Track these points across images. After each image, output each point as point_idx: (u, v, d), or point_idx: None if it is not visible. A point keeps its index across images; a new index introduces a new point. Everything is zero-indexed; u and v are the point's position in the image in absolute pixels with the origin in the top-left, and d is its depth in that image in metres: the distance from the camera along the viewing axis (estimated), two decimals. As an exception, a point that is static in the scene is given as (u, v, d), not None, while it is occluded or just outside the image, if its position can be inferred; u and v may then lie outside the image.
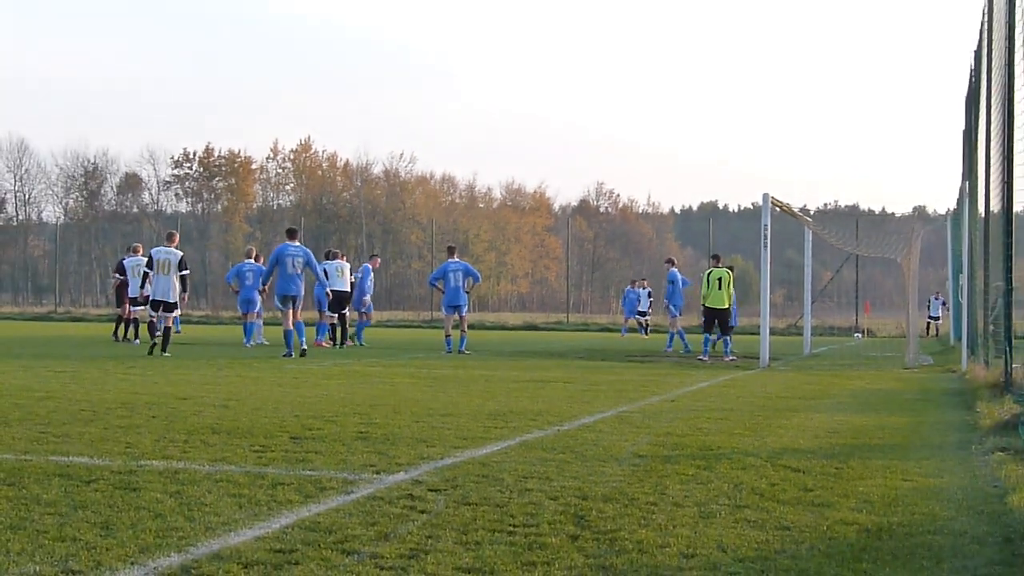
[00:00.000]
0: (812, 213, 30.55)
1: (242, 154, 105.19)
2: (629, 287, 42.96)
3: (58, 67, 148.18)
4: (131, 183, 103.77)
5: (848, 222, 55.82)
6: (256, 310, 26.48)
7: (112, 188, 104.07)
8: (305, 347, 21.84)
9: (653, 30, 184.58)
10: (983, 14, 17.03)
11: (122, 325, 28.55)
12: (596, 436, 9.36)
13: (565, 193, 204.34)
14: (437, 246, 65.08)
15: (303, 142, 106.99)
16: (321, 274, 22.43)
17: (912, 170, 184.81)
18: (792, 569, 4.92)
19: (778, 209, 24.77)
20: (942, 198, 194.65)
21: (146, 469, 7.22)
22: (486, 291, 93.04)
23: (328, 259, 26.94)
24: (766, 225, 22.24)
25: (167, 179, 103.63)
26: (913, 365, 22.24)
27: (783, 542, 5.47)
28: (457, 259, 25.19)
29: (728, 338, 23.93)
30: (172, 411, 10.83)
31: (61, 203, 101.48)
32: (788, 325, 47.98)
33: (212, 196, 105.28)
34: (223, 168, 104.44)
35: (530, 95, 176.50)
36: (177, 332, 30.03)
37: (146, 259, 23.39)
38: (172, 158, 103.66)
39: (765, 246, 22.18)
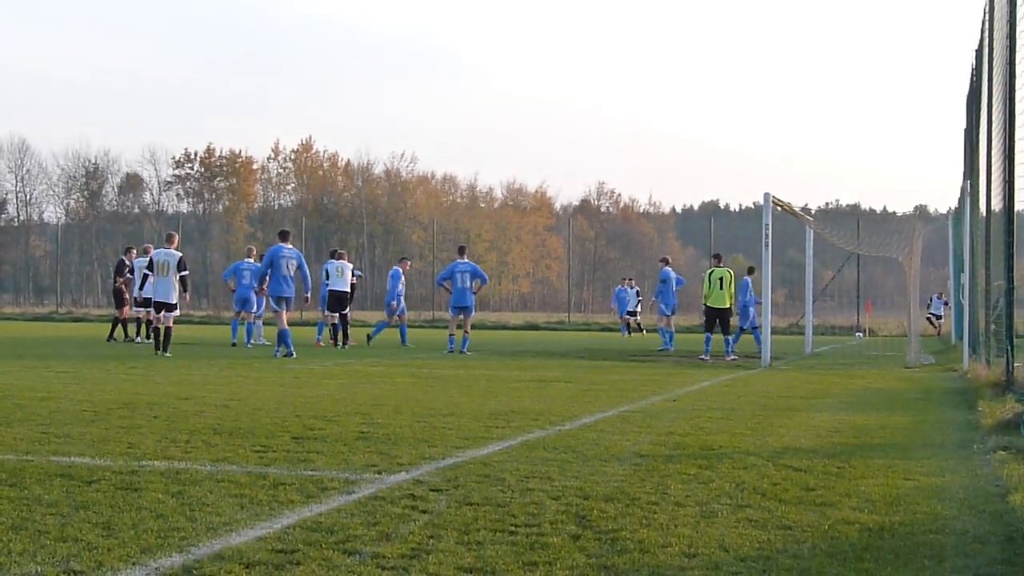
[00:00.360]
0: (813, 212, 30.58)
1: (243, 154, 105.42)
2: (619, 286, 43.05)
3: (59, 67, 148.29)
4: (132, 183, 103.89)
5: (849, 221, 55.86)
6: (252, 310, 26.53)
7: (113, 188, 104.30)
8: (280, 355, 21.63)
9: (654, 29, 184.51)
10: (984, 13, 17.03)
11: (119, 327, 28.61)
12: (598, 436, 9.36)
13: (566, 193, 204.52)
14: (438, 246, 65.17)
15: (304, 142, 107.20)
16: (307, 274, 22.32)
17: (913, 169, 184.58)
18: (794, 569, 4.92)
19: (779, 208, 24.77)
20: (943, 197, 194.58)
21: (148, 469, 7.22)
22: (487, 291, 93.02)
23: (332, 259, 27.05)
24: (767, 224, 22.24)
25: (168, 179, 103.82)
26: (914, 364, 22.24)
27: (785, 541, 5.46)
28: (466, 260, 25.17)
29: (729, 337, 23.94)
30: (174, 411, 10.84)
31: (62, 203, 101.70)
32: (790, 324, 47.96)
33: (213, 196, 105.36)
34: (224, 168, 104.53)
35: (532, 94, 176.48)
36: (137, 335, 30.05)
37: (147, 261, 23.56)
38: (173, 158, 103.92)
39: (766, 245, 22.18)
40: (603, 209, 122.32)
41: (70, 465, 7.35)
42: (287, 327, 21.90)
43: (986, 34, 16.67)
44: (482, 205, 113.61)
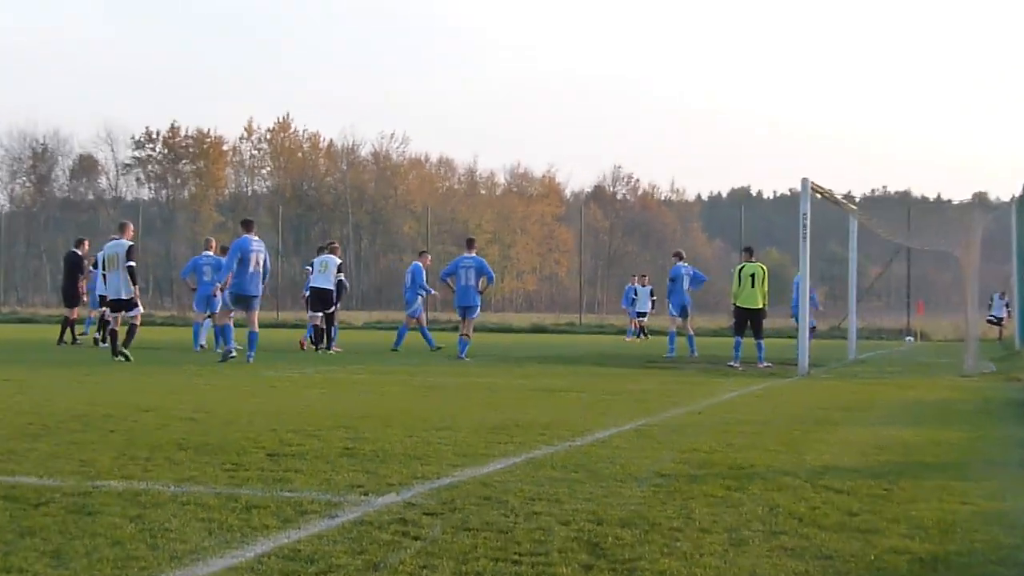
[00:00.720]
0: (858, 200, 30.53)
1: (212, 134, 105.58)
2: (630, 284, 43.11)
3: (1, 35, 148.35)
4: (86, 166, 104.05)
5: (898, 210, 55.89)
6: (217, 309, 26.48)
7: (64, 172, 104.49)
8: (252, 359, 21.63)
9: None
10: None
11: (69, 329, 28.78)
12: (612, 453, 9.37)
13: (578, 178, 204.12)
14: (433, 237, 65.18)
15: (281, 120, 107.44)
16: (268, 268, 22.31)
17: (972, 150, 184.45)
18: (835, 604, 4.92)
19: (819, 195, 24.75)
20: (1006, 183, 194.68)
21: (103, 490, 7.23)
22: (489, 289, 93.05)
23: (320, 253, 27.18)
24: (805, 214, 22.22)
25: (127, 162, 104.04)
26: (972, 372, 22.22)
27: (824, 573, 5.47)
28: (474, 254, 25.24)
29: (762, 341, 23.92)
30: (133, 424, 10.84)
31: (6, 189, 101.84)
32: (830, 327, 47.92)
33: (178, 181, 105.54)
34: (191, 150, 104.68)
35: (538, 66, 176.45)
36: (84, 333, 30.18)
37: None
38: (132, 138, 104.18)
39: (804, 237, 22.16)
40: (619, 196, 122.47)
41: (14, 486, 7.35)
42: (230, 324, 21.98)
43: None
44: (482, 192, 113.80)
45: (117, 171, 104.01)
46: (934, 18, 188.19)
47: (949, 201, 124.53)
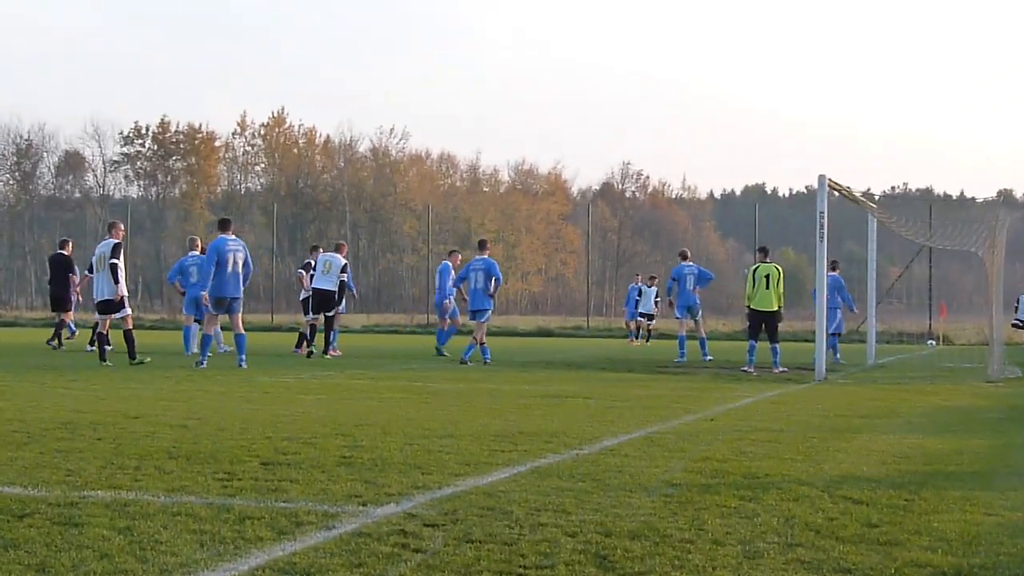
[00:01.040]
0: (877, 198, 30.56)
1: (204, 129, 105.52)
2: (633, 283, 43.12)
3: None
4: (72, 163, 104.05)
5: (920, 208, 55.77)
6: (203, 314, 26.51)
7: (50, 169, 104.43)
8: (244, 364, 21.68)
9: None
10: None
11: (63, 330, 29.07)
12: (621, 461, 9.37)
13: (585, 175, 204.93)
14: (434, 237, 65.19)
15: (276, 115, 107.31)
16: (250, 268, 22.31)
17: (996, 146, 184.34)
18: (854, 619, 4.92)
19: (836, 193, 24.75)
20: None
21: (90, 501, 7.24)
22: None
23: (314, 253, 27.38)
24: (823, 212, 22.21)
25: (115, 158, 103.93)
26: (997, 378, 22.20)
27: (843, 587, 5.46)
28: (485, 256, 25.35)
29: (777, 345, 23.91)
30: (121, 432, 10.85)
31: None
32: (849, 330, 47.93)
33: (168, 178, 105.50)
34: (181, 145, 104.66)
35: (543, 58, 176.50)
36: (70, 337, 30.25)
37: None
38: (121, 134, 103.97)
39: (821, 237, 22.16)
40: (628, 194, 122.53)
41: (-1, 495, 7.37)
42: (213, 333, 22.02)
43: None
44: (485, 189, 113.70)
45: (104, 168, 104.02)
46: (958, 12, 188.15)
47: (973, 199, 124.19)
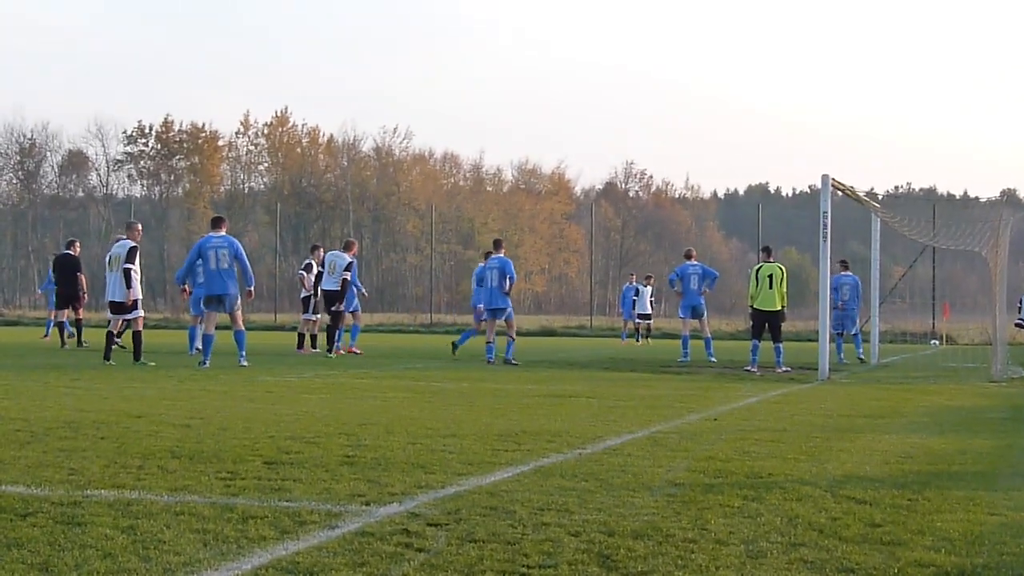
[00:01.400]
0: (881, 197, 30.48)
1: (207, 128, 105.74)
2: (627, 283, 43.10)
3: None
4: (76, 162, 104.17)
5: (923, 208, 55.79)
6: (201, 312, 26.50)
7: (53, 168, 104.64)
8: (245, 362, 21.70)
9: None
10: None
11: (59, 330, 29.46)
12: (624, 461, 9.36)
13: (588, 175, 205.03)
14: (437, 236, 65.16)
15: (279, 114, 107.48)
16: (247, 267, 22.29)
17: (999, 146, 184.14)
18: (857, 619, 4.92)
19: (840, 193, 24.72)
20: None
21: (93, 500, 7.23)
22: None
23: (314, 252, 27.55)
24: (826, 212, 22.19)
25: (118, 157, 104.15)
26: (1001, 378, 22.18)
27: (846, 587, 5.46)
28: (500, 255, 25.40)
29: (780, 345, 23.90)
30: (124, 431, 10.85)
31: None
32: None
33: (172, 178, 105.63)
34: (185, 145, 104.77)
35: (547, 57, 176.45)
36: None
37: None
38: (124, 133, 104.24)
39: (825, 237, 22.13)
40: (631, 194, 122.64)
41: (0, 495, 7.36)
42: (212, 333, 22.02)
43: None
44: (489, 189, 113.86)
45: (108, 167, 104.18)
46: (961, 11, 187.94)
47: (976, 198, 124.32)
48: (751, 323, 24.73)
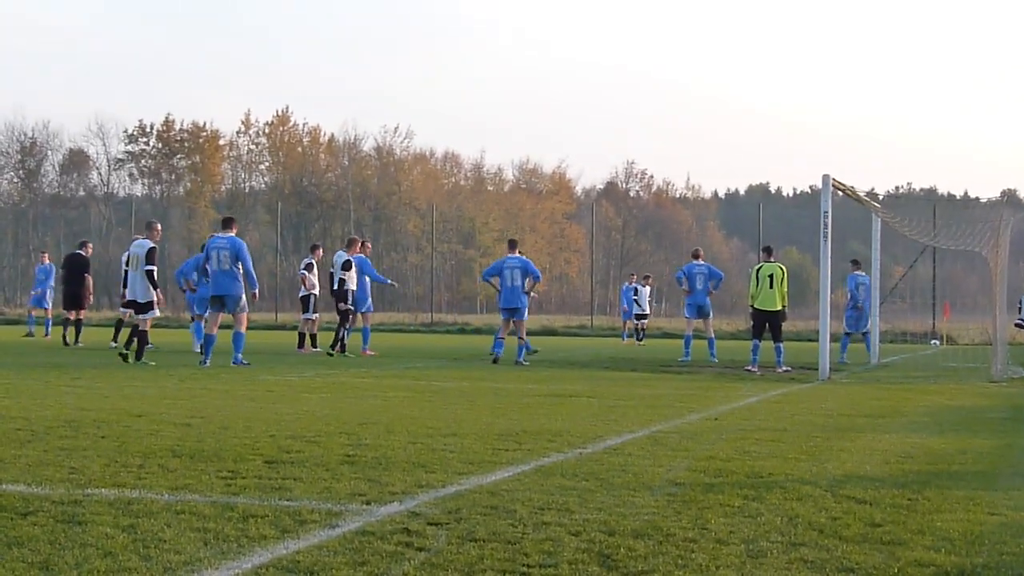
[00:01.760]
0: (881, 197, 30.44)
1: (208, 127, 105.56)
2: (627, 283, 43.05)
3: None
4: (76, 161, 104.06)
5: (924, 208, 55.70)
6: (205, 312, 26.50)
7: (54, 167, 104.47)
8: (244, 361, 21.71)
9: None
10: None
11: (71, 329, 29.67)
12: (625, 460, 9.36)
13: (589, 174, 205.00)
14: (438, 236, 65.13)
15: (280, 114, 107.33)
16: (250, 269, 22.35)
17: (1000, 146, 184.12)
18: (857, 619, 4.92)
19: (840, 193, 24.71)
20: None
21: (94, 499, 7.24)
22: (493, 290, 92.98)
23: (314, 252, 27.70)
24: (826, 212, 22.19)
25: (119, 156, 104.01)
26: (1001, 378, 22.18)
27: (846, 587, 5.46)
28: (517, 254, 25.39)
29: (781, 345, 23.90)
30: (125, 430, 10.85)
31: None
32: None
33: (173, 177, 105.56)
34: (186, 144, 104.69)
35: (548, 57, 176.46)
36: (28, 334, 31.32)
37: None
38: (125, 132, 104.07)
39: (825, 236, 22.13)
40: (632, 193, 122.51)
41: (1, 494, 7.36)
42: (215, 333, 22.07)
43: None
44: (490, 188, 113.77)
45: (109, 166, 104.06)
46: (961, 11, 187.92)
47: (977, 199, 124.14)
48: (752, 323, 24.73)
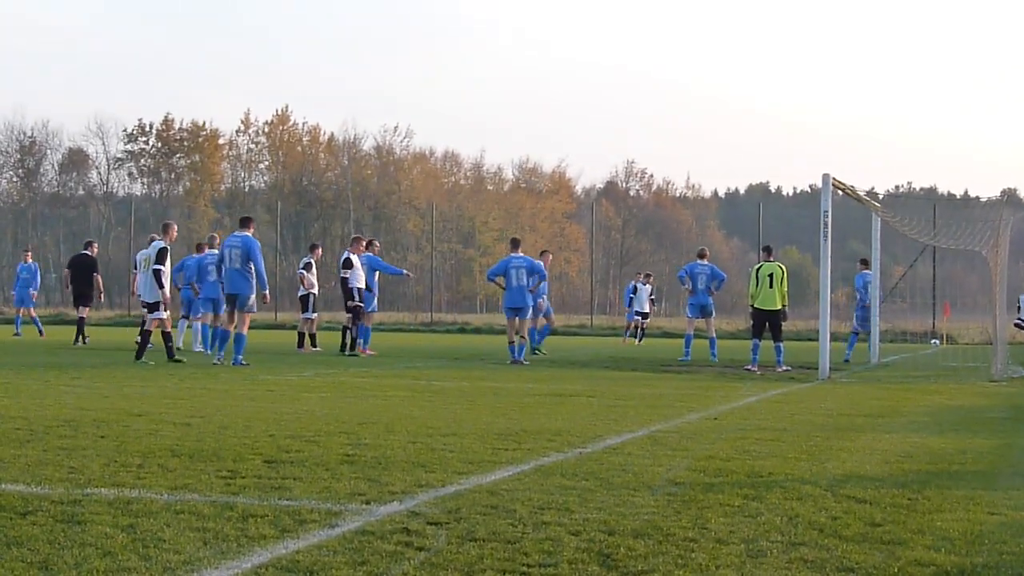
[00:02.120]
0: (881, 197, 30.40)
1: (208, 127, 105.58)
2: (634, 280, 43.03)
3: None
4: (76, 160, 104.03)
5: (924, 207, 55.69)
6: (221, 311, 26.46)
7: (53, 166, 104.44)
8: (244, 362, 21.75)
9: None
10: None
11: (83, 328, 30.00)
12: (625, 460, 9.36)
13: (589, 174, 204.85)
14: (438, 235, 65.08)
15: (280, 113, 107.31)
16: (262, 270, 22.41)
17: (1000, 146, 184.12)
18: (857, 618, 4.92)
19: (840, 192, 24.72)
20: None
21: (93, 499, 7.23)
22: (496, 289, 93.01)
23: (313, 252, 27.78)
24: (826, 211, 22.19)
25: (119, 156, 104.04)
26: (1001, 378, 22.18)
27: (846, 586, 5.46)
28: (521, 254, 25.43)
29: (781, 344, 23.90)
30: (124, 430, 10.85)
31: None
32: (853, 329, 47.85)
33: (172, 176, 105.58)
34: (185, 143, 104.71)
35: (547, 56, 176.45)
36: (16, 335, 31.72)
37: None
38: (124, 131, 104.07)
39: (825, 236, 22.13)
40: (632, 193, 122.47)
41: (1, 494, 7.36)
42: (231, 329, 22.15)
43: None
44: (490, 188, 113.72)
45: (108, 165, 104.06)
46: (961, 11, 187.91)
47: (977, 198, 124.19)
48: (752, 322, 24.73)
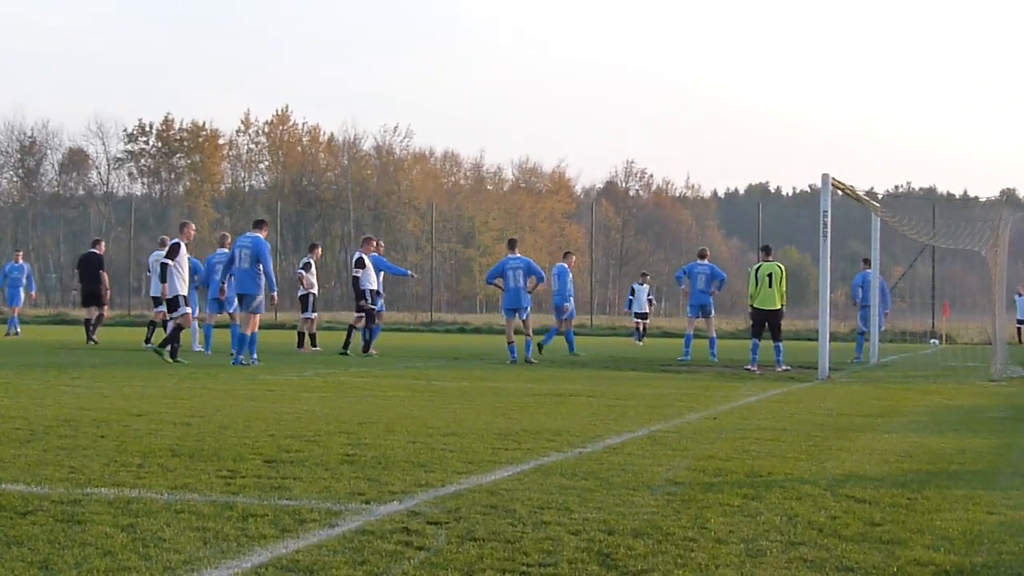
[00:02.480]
0: (880, 197, 30.40)
1: (208, 127, 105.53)
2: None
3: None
4: (76, 160, 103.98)
5: (923, 207, 55.70)
6: (230, 309, 26.32)
7: (53, 166, 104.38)
8: (244, 362, 21.78)
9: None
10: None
11: (94, 328, 30.20)
12: (624, 460, 9.37)
13: (589, 174, 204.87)
14: (438, 235, 65.06)
15: (280, 113, 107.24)
16: (270, 271, 22.43)
17: (999, 146, 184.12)
18: (856, 618, 4.92)
19: (840, 192, 24.72)
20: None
21: (93, 498, 7.23)
22: (495, 290, 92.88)
23: (312, 251, 27.83)
24: (826, 211, 22.19)
25: (119, 156, 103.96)
26: (1000, 377, 22.18)
27: (846, 586, 5.46)
28: (518, 254, 25.44)
29: (780, 344, 23.90)
30: (124, 430, 10.85)
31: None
32: (851, 330, 47.81)
33: (172, 176, 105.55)
34: (185, 143, 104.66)
35: (547, 56, 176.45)
36: (15, 335, 33.16)
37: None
38: (125, 131, 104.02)
39: (825, 236, 22.13)
40: (632, 193, 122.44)
41: (1, 494, 7.36)
42: (246, 331, 22.16)
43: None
44: (489, 188, 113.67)
45: (108, 165, 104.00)
46: (961, 11, 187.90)
47: (976, 198, 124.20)
48: (751, 322, 24.73)
